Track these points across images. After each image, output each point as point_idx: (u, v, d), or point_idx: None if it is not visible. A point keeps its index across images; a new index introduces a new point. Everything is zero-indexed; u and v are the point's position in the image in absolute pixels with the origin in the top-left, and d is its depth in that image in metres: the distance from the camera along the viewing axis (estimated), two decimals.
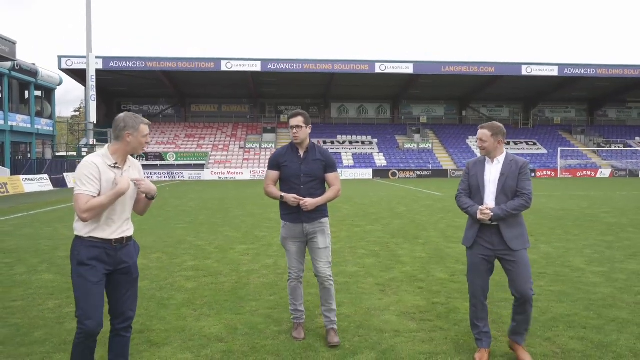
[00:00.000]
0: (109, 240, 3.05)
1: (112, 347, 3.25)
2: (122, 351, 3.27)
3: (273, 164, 4.31)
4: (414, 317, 4.78)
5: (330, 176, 4.28)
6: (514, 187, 3.73)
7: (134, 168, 3.27)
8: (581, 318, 4.71)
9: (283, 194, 4.17)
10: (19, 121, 33.97)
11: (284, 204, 4.22)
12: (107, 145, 3.19)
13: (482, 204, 3.78)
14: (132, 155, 3.23)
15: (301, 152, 4.24)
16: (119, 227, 3.10)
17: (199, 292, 5.70)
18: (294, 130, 4.20)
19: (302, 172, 4.17)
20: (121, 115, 3.14)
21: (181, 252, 8.24)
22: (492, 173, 3.80)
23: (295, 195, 4.10)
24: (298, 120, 4.18)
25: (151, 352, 3.94)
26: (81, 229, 3.05)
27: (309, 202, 4.07)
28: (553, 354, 3.87)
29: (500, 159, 3.81)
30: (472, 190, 3.90)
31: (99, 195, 2.98)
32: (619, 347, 3.98)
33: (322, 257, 4.20)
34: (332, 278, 4.25)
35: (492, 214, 3.65)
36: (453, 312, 4.95)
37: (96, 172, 2.98)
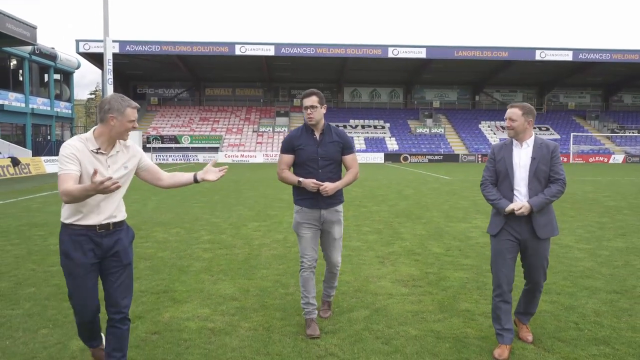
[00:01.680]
0: (93, 227, 2.93)
1: (108, 339, 3.09)
2: (119, 345, 3.09)
3: (287, 147, 4.03)
4: (406, 284, 5.34)
5: (347, 158, 4.07)
6: (546, 172, 3.56)
7: (124, 153, 3.06)
8: (558, 286, 5.23)
9: (301, 179, 3.93)
10: (39, 104, 34.92)
11: (299, 189, 3.99)
12: (93, 128, 3.00)
13: (511, 190, 3.60)
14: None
15: (317, 134, 3.99)
16: (102, 213, 2.95)
17: (215, 261, 6.32)
18: (308, 111, 3.92)
19: (319, 155, 3.94)
20: (108, 96, 2.96)
21: (198, 227, 8.87)
22: (522, 157, 3.60)
23: (315, 180, 3.88)
24: (312, 100, 3.91)
25: (175, 308, 4.55)
26: (66, 216, 2.95)
27: (329, 187, 3.85)
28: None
29: (530, 142, 3.62)
30: (500, 176, 3.68)
31: (80, 177, 2.87)
32: (585, 309, 4.51)
33: (336, 247, 4.14)
34: (340, 264, 4.29)
35: (527, 210, 3.49)
36: (443, 280, 5.50)
37: (75, 151, 2.85)
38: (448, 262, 6.30)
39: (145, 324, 4.13)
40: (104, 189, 2.60)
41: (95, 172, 2.60)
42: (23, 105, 32.72)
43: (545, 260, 3.67)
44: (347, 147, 4.06)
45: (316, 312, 4.07)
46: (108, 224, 2.98)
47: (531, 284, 3.75)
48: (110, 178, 2.62)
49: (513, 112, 3.59)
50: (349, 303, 4.69)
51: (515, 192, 3.61)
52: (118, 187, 2.67)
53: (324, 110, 3.98)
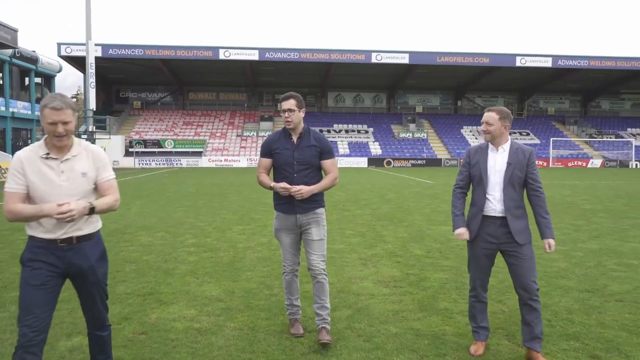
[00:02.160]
0: (54, 240, 2.76)
1: (90, 344, 3.12)
2: (102, 348, 3.10)
3: (265, 151, 4.02)
4: (388, 285, 5.49)
5: (326, 163, 3.98)
6: (522, 178, 3.54)
7: (84, 160, 2.83)
8: None
9: (273, 183, 3.90)
10: (20, 108, 34.45)
11: (276, 194, 3.95)
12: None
13: (484, 195, 3.58)
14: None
15: (294, 138, 3.93)
16: (63, 225, 2.75)
17: (200, 264, 6.40)
18: (286, 114, 3.87)
19: (295, 159, 3.88)
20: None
21: (183, 231, 8.93)
22: (498, 162, 3.57)
23: (285, 184, 3.80)
24: (290, 104, 3.87)
25: (161, 309, 4.64)
26: (27, 227, 2.81)
27: (304, 190, 3.78)
28: (501, 311, 4.60)
29: (506, 147, 3.59)
30: (474, 180, 3.67)
31: (27, 191, 2.72)
32: (557, 307, 4.71)
33: (315, 249, 3.95)
34: (326, 272, 4.00)
35: (554, 247, 3.58)
36: (423, 280, 5.66)
37: (19, 166, 2.71)
38: (428, 264, 6.47)
39: (132, 324, 4.22)
40: (60, 218, 2.58)
41: (62, 204, 2.59)
42: (3, 108, 32.25)
43: (532, 261, 3.57)
44: (325, 152, 3.97)
45: (300, 312, 4.14)
46: (70, 237, 2.78)
47: (522, 291, 3.56)
48: (70, 211, 2.58)
49: (490, 116, 3.57)
50: (332, 303, 4.79)
51: (488, 197, 3.58)
52: (71, 221, 2.62)
53: (302, 114, 3.94)
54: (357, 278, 5.76)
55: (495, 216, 3.57)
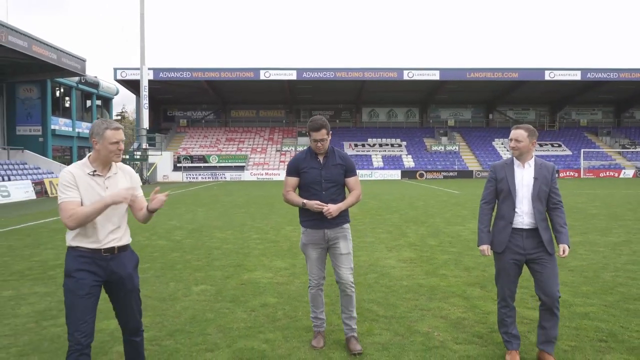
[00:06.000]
0: (98, 250, 2.98)
1: (125, 349, 3.32)
2: (137, 352, 3.31)
3: (292, 170, 4.19)
4: (405, 261, 7.60)
5: (350, 180, 4.18)
6: (546, 192, 3.72)
7: (124, 178, 3.15)
8: None
9: (305, 200, 4.07)
10: (84, 128, 38.13)
11: (304, 210, 4.14)
12: (89, 154, 3.12)
13: (513, 209, 3.75)
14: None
15: (320, 158, 4.15)
16: (106, 236, 3.01)
17: (267, 250, 8.65)
18: (318, 144, 4.07)
19: (323, 177, 4.08)
20: (95, 121, 3.07)
21: (246, 230, 11.25)
22: (525, 177, 3.73)
23: (319, 202, 4.01)
24: (322, 134, 4.03)
25: (249, 273, 6.88)
26: (70, 239, 3.01)
27: (332, 209, 3.98)
28: (488, 295, 6.64)
29: (531, 163, 3.78)
30: (502, 194, 3.81)
31: (81, 202, 2.94)
32: (524, 274, 6.70)
33: (344, 263, 4.14)
34: (353, 285, 4.20)
35: (568, 251, 3.73)
36: (432, 259, 7.74)
37: (71, 179, 2.93)
38: (439, 250, 8.53)
39: (234, 280, 6.47)
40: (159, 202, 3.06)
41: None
42: (70, 129, 35.93)
43: (556, 269, 3.76)
44: (349, 170, 4.18)
45: (324, 326, 4.34)
46: (113, 247, 3.04)
47: (547, 298, 3.73)
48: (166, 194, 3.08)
49: (519, 133, 3.76)
50: (365, 270, 6.96)
51: (517, 210, 3.77)
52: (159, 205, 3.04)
53: (330, 137, 4.12)
54: (383, 258, 7.88)
55: (522, 228, 3.76)
